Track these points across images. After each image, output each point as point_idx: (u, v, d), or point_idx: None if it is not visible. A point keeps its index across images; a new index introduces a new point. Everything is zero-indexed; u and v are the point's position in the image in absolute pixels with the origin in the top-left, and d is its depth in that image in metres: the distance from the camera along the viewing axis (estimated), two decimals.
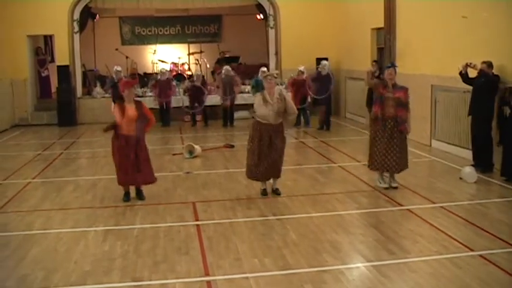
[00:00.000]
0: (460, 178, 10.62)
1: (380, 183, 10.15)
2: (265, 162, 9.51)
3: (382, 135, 9.81)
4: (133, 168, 9.52)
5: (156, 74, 21.91)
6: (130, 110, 9.44)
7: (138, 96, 18.82)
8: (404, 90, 9.82)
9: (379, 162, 9.90)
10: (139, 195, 9.82)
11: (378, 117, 9.83)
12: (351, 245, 7.38)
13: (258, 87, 18.24)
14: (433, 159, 12.69)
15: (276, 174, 9.82)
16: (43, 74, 21.77)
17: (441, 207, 8.93)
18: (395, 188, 10.00)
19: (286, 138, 9.84)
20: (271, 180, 9.92)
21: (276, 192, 9.86)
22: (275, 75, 9.53)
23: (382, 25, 16.29)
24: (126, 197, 9.75)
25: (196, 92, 18.72)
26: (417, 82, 14.18)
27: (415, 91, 14.42)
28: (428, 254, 6.96)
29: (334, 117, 18.77)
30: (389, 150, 9.77)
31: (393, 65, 10.05)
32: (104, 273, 6.60)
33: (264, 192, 9.81)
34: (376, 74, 16.80)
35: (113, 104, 18.18)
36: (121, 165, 9.56)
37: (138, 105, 9.62)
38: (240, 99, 19.33)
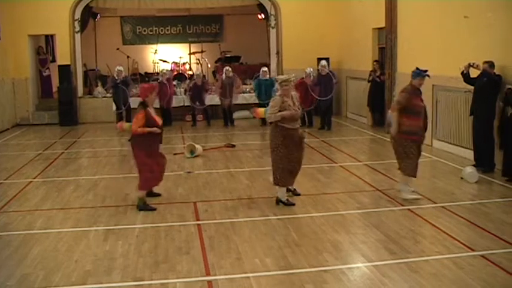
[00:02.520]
0: (462, 178, 10.61)
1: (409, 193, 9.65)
2: (297, 165, 9.22)
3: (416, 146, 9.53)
4: (160, 172, 9.55)
5: (158, 73, 21.92)
6: (155, 115, 9.42)
7: (139, 96, 18.83)
8: (421, 96, 9.63)
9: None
10: (152, 193, 9.83)
11: (412, 131, 9.38)
12: (352, 245, 7.37)
13: (259, 89, 18.33)
14: (434, 159, 12.67)
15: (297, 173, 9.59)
16: (44, 74, 21.80)
17: (442, 207, 8.92)
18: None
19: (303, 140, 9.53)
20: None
21: (294, 192, 9.74)
22: (290, 80, 9.03)
23: (383, 25, 16.28)
24: (149, 206, 9.22)
25: (197, 91, 18.72)
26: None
27: None
28: (430, 254, 6.95)
29: (335, 117, 18.76)
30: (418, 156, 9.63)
31: (426, 74, 9.56)
32: (105, 272, 6.60)
33: (289, 202, 9.30)
34: (377, 74, 16.86)
35: (119, 106, 18.24)
36: (155, 171, 9.37)
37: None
38: (240, 99, 19.34)
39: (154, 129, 9.12)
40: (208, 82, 20.10)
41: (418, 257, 6.88)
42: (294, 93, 9.27)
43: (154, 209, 9.14)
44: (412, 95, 9.41)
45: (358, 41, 19.00)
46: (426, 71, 9.53)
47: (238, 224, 8.36)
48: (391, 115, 9.55)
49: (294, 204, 9.18)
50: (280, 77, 9.45)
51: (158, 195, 9.88)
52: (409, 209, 8.85)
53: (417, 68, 9.76)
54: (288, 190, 9.50)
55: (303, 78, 17.52)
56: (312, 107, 17.53)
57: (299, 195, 9.73)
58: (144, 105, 9.22)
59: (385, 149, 14.13)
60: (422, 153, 12.95)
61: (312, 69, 17.64)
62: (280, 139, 8.99)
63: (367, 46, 18.29)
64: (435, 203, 9.18)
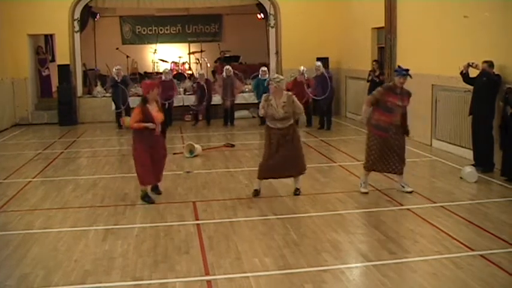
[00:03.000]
0: (461, 178, 10.61)
1: (362, 186, 9.97)
2: (272, 160, 9.48)
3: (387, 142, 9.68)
4: (155, 168, 9.68)
5: (157, 73, 21.92)
6: (154, 111, 9.51)
7: (139, 96, 18.83)
8: (407, 96, 9.63)
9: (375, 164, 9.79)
10: (157, 190, 10.02)
11: (379, 125, 9.63)
12: (351, 245, 7.37)
13: (258, 88, 18.33)
14: (433, 159, 12.68)
15: (293, 171, 9.71)
16: (44, 73, 21.79)
17: (442, 206, 8.93)
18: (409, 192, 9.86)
19: (298, 138, 9.70)
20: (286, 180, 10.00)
21: (295, 192, 9.81)
22: (277, 80, 9.34)
23: (382, 24, 16.29)
24: (148, 198, 9.61)
25: (202, 91, 18.72)
26: (418, 82, 14.10)
27: (415, 91, 14.38)
28: (429, 253, 6.95)
29: (334, 116, 18.76)
30: (389, 153, 9.69)
31: (407, 73, 9.58)
32: (104, 272, 6.60)
33: (256, 193, 9.76)
34: (377, 74, 16.86)
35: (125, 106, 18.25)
36: (147, 165, 9.50)
37: (158, 103, 9.82)
38: (240, 98, 19.36)
39: (149, 124, 9.30)
40: (210, 81, 20.07)
41: (417, 256, 6.88)
42: (288, 94, 9.48)
43: (152, 202, 9.43)
44: (386, 91, 9.61)
45: (358, 41, 19.01)
46: (407, 70, 9.61)
47: (237, 223, 8.36)
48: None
49: (258, 194, 9.72)
50: (275, 76, 9.70)
51: (158, 193, 9.95)
52: (408, 209, 8.85)
53: (399, 67, 10.11)
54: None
55: (295, 78, 17.55)
56: (306, 103, 17.57)
57: (298, 194, 9.76)
58: (144, 101, 9.47)
59: None
60: (422, 152, 13.08)
61: (305, 68, 17.64)
62: (265, 136, 9.69)
63: (366, 46, 18.31)
64: (434, 202, 9.18)
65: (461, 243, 7.27)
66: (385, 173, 10.09)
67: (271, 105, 9.31)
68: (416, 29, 14.66)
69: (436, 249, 7.09)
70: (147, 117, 9.32)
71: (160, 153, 9.77)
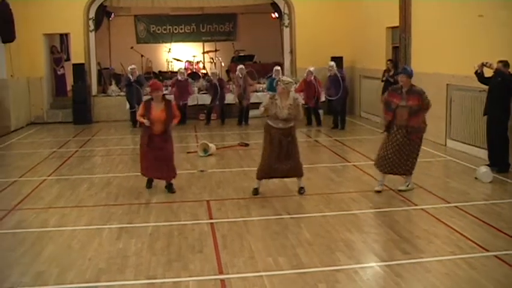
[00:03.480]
0: (476, 178, 10.56)
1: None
2: (271, 160, 9.59)
3: (391, 140, 9.71)
4: (155, 165, 10.01)
5: (172, 72, 21.97)
6: (155, 110, 9.78)
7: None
8: (418, 96, 9.54)
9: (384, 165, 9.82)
10: (169, 188, 10.19)
11: (390, 124, 9.72)
12: (364, 245, 7.36)
13: (272, 88, 18.33)
14: (448, 159, 12.62)
15: (295, 173, 9.80)
16: (59, 72, 21.90)
17: (456, 207, 8.88)
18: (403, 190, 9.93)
19: (296, 140, 9.80)
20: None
21: (299, 191, 9.87)
22: (286, 82, 9.47)
23: (397, 24, 16.22)
24: (148, 183, 10.46)
25: (214, 90, 18.76)
26: (432, 81, 14.10)
27: (430, 90, 14.30)
28: (443, 254, 6.93)
29: (349, 116, 18.72)
30: (398, 155, 9.67)
31: (404, 71, 9.76)
32: (118, 270, 6.63)
33: (256, 192, 9.86)
34: (391, 74, 16.80)
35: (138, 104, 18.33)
36: (143, 157, 10.15)
37: (167, 104, 9.98)
38: (255, 98, 19.34)
39: (144, 120, 9.79)
40: (224, 80, 20.09)
41: (431, 256, 6.85)
42: (295, 98, 9.60)
43: (147, 187, 10.39)
44: (391, 92, 9.86)
45: (372, 40, 18.95)
46: (404, 68, 10.00)
47: (251, 222, 8.37)
48: None
49: (257, 194, 9.84)
50: (284, 78, 9.87)
51: (172, 192, 10.11)
52: (422, 209, 8.82)
53: (403, 67, 10.35)
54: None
55: (304, 79, 17.55)
56: (317, 105, 17.63)
57: (302, 193, 9.80)
58: (151, 98, 10.02)
59: None
60: (436, 152, 13.02)
61: (313, 68, 17.66)
62: (264, 135, 9.77)
63: (380, 45, 18.24)
64: (449, 202, 9.14)
65: (476, 243, 7.23)
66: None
67: (276, 104, 9.41)
68: (431, 28, 14.58)
69: (450, 250, 7.06)
70: (147, 112, 9.79)
71: (157, 153, 9.93)
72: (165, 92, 19.48)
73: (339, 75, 16.87)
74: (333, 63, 17.45)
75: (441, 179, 11.04)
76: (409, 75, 9.61)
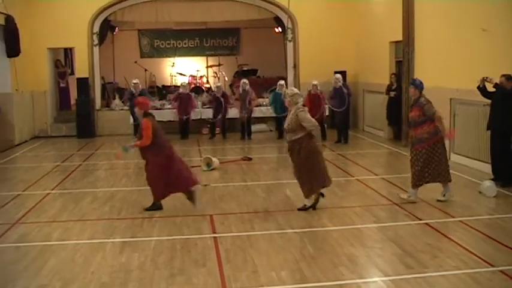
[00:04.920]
0: (480, 192, 10.53)
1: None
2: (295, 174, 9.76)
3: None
4: None
5: (176, 87, 22.05)
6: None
7: (156, 109, 18.98)
8: (419, 107, 9.72)
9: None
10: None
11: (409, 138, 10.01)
12: (368, 259, 7.33)
13: (275, 102, 18.36)
14: (452, 173, 12.53)
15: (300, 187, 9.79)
16: (61, 85, 21.93)
17: (460, 221, 8.85)
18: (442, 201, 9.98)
19: (307, 153, 9.45)
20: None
21: (298, 208, 9.80)
22: (290, 95, 9.54)
23: (400, 38, 16.25)
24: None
25: (218, 104, 18.81)
26: (436, 95, 14.01)
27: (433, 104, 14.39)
28: (447, 269, 6.89)
29: (352, 130, 18.73)
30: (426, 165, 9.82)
31: (412, 82, 10.00)
32: (121, 284, 6.61)
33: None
34: (394, 87, 16.83)
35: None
36: None
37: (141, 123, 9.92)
38: (258, 112, 19.38)
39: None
40: (228, 94, 20.13)
41: (435, 271, 6.81)
42: (296, 107, 9.51)
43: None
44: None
45: (375, 55, 19.00)
46: (413, 80, 10.34)
47: (254, 236, 8.35)
48: None
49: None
50: (289, 90, 9.93)
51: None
52: (426, 223, 8.78)
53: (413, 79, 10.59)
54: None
55: (309, 91, 17.59)
56: (320, 117, 17.65)
57: (300, 209, 9.71)
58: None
59: (401, 162, 14.10)
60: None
61: (317, 82, 17.71)
62: None
63: (384, 59, 18.28)
64: (453, 217, 9.11)
65: (480, 258, 7.19)
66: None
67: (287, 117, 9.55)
68: (435, 42, 14.61)
69: (454, 264, 7.02)
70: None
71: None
72: (168, 107, 19.73)
73: (345, 90, 16.91)
74: (339, 75, 17.50)
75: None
76: (416, 86, 9.82)
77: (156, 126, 9.76)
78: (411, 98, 9.97)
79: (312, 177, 9.49)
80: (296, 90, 9.77)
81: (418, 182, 9.92)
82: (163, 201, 9.90)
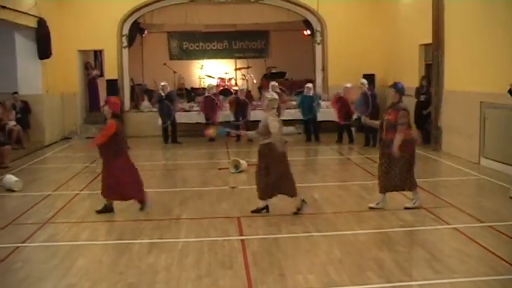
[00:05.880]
0: (510, 197, 10.39)
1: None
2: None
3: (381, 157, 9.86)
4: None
5: (204, 89, 22.14)
6: None
7: (185, 111, 19.08)
8: (396, 111, 9.62)
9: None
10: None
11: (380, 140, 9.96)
12: (395, 263, 7.27)
13: (303, 104, 18.34)
14: (481, 178, 12.43)
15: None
16: (89, 76, 22.18)
17: (490, 226, 8.74)
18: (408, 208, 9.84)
19: (272, 158, 9.49)
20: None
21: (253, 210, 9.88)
22: (269, 99, 9.66)
23: (430, 41, 16.11)
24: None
25: (240, 106, 18.81)
26: (465, 99, 14.00)
27: (462, 108, 14.27)
28: (476, 274, 6.81)
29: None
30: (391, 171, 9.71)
31: (394, 86, 9.96)
32: (148, 285, 6.65)
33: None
34: (424, 91, 16.69)
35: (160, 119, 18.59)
36: None
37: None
38: (286, 115, 19.28)
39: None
40: (252, 97, 20.12)
41: (463, 277, 6.73)
42: (270, 116, 9.59)
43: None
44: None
45: (404, 58, 18.87)
46: (395, 84, 10.24)
47: (281, 239, 8.34)
48: None
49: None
50: (268, 94, 10.11)
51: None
52: (455, 228, 8.69)
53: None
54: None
55: (339, 93, 17.53)
56: (349, 122, 17.57)
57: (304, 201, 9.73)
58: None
59: (429, 166, 13.98)
60: (469, 171, 12.86)
61: (350, 85, 17.63)
62: None
63: (413, 62, 18.13)
64: (482, 222, 8.99)
65: (510, 264, 7.10)
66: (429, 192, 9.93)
67: None
68: (465, 45, 14.46)
69: (483, 270, 6.94)
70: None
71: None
72: (196, 109, 19.77)
73: (368, 93, 16.82)
74: (364, 80, 17.41)
75: (474, 198, 10.88)
76: (398, 90, 9.79)
77: (120, 130, 9.85)
78: (392, 100, 9.87)
79: (269, 181, 9.50)
80: (276, 96, 9.81)
81: (384, 188, 9.81)
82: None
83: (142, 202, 9.96)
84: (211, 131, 10.42)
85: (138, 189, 9.91)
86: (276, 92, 18.47)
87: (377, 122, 10.36)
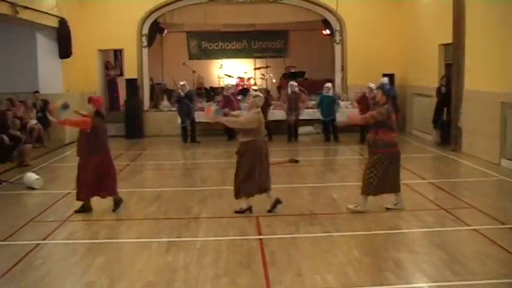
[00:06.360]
0: None
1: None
2: None
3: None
4: None
5: (223, 88, 22.18)
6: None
7: (204, 110, 19.11)
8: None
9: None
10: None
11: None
12: (414, 264, 7.24)
13: (322, 104, 18.30)
14: (502, 179, 12.32)
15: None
16: (112, 73, 22.34)
17: (510, 228, 8.67)
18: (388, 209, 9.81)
19: (249, 157, 9.55)
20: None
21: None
22: (253, 96, 9.72)
23: (450, 41, 16.00)
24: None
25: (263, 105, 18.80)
26: (486, 99, 13.90)
27: (483, 108, 14.16)
28: (496, 277, 6.75)
29: (400, 133, 18.46)
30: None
31: (381, 87, 9.86)
32: (167, 284, 6.67)
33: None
34: (444, 91, 16.58)
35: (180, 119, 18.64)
36: None
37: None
38: (305, 114, 19.27)
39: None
40: (271, 97, 20.13)
41: (484, 279, 6.67)
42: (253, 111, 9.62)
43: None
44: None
45: (424, 57, 18.76)
46: (381, 85, 10.07)
47: (299, 239, 8.33)
48: None
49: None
50: (252, 92, 9.99)
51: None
52: (475, 229, 8.62)
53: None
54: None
55: (364, 92, 17.47)
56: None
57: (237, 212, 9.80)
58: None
59: (449, 167, 13.90)
60: (490, 172, 12.77)
61: (373, 84, 17.55)
62: None
63: (433, 62, 18.03)
64: (503, 223, 8.92)
65: None
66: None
67: None
68: (485, 45, 14.34)
69: (503, 272, 6.88)
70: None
71: None
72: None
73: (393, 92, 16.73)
74: (383, 78, 17.33)
75: (494, 199, 10.78)
76: (385, 92, 9.64)
77: (102, 128, 10.04)
78: (377, 101, 9.74)
79: (245, 180, 9.56)
80: (260, 94, 9.81)
81: (368, 191, 9.74)
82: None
83: (117, 199, 10.11)
84: (212, 109, 10.50)
85: (111, 187, 10.01)
86: (294, 91, 18.57)
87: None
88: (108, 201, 10.80)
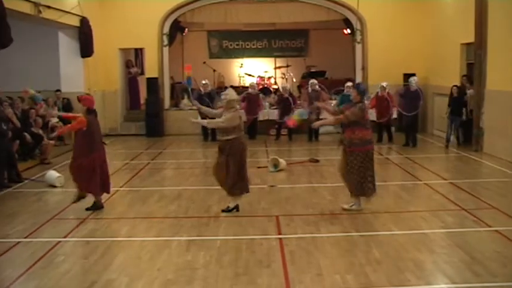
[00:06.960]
0: None
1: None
2: None
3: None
4: None
5: (244, 87, 22.21)
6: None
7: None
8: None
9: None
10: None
11: None
12: (434, 265, 7.20)
13: (343, 104, 18.23)
14: None
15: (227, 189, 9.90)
16: (132, 71, 22.47)
17: None
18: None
19: (234, 155, 9.59)
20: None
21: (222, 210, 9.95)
22: (225, 100, 9.77)
23: (472, 40, 15.87)
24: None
25: (285, 104, 18.84)
26: (508, 99, 13.76)
27: (505, 108, 14.04)
28: None
29: (420, 133, 18.43)
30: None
31: (356, 86, 10.05)
32: (186, 282, 6.69)
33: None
34: (467, 91, 16.46)
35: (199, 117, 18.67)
36: None
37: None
38: (326, 114, 19.18)
39: None
40: (295, 97, 20.13)
41: (505, 281, 6.62)
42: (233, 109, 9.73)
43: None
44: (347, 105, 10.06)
45: (445, 57, 18.63)
46: (357, 85, 10.50)
47: (319, 239, 8.32)
48: None
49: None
50: (349, 84, 9.97)
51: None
52: (496, 230, 8.55)
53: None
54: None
55: (377, 92, 17.43)
56: (388, 120, 17.52)
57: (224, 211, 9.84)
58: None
59: (470, 167, 13.79)
60: (509, 171, 12.62)
61: (386, 83, 17.50)
62: None
63: (454, 62, 17.90)
64: None
65: None
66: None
67: None
68: (508, 44, 14.20)
69: None
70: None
71: None
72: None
73: (420, 91, 16.70)
74: (414, 77, 17.28)
75: None
76: (359, 91, 9.68)
77: (94, 126, 10.00)
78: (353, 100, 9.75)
79: (238, 180, 9.64)
80: (234, 96, 9.82)
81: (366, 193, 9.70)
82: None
83: (95, 202, 10.11)
84: (295, 119, 10.56)
85: (95, 186, 9.99)
86: (314, 89, 18.54)
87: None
88: (127, 199, 10.90)
